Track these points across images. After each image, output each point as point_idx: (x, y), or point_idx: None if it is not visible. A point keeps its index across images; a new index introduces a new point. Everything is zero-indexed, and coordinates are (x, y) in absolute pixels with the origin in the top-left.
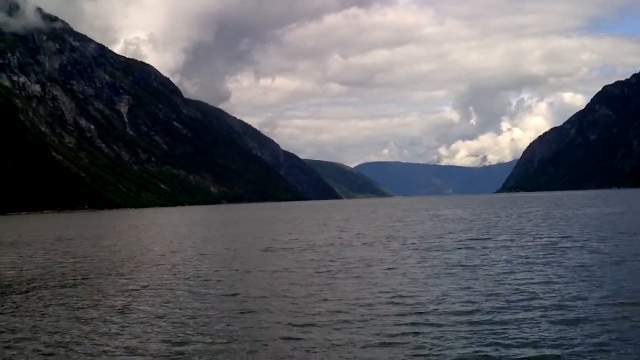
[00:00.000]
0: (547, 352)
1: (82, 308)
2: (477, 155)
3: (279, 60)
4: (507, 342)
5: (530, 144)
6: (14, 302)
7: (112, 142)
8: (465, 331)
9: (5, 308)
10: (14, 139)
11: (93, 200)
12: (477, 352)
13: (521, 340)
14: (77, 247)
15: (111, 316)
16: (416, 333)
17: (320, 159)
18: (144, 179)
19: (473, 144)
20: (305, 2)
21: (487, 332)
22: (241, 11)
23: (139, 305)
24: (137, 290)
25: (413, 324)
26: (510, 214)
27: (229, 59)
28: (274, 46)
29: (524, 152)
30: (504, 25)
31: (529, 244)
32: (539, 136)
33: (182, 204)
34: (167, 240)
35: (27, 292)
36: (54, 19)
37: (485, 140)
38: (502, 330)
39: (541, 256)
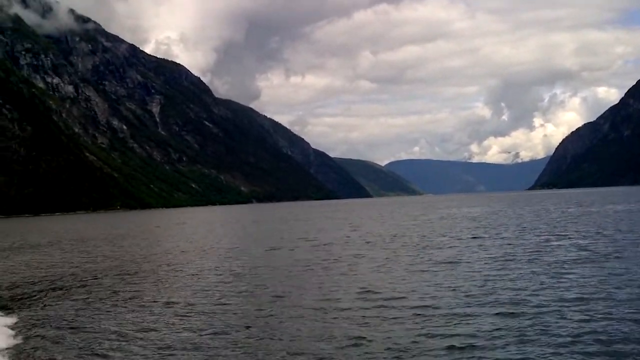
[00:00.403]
0: (468, 341)
1: (84, 301)
2: (509, 152)
3: (309, 58)
4: (441, 332)
5: (563, 140)
6: (24, 300)
7: (144, 142)
8: (411, 323)
9: (17, 303)
10: (48, 140)
11: (126, 201)
12: (412, 341)
13: (454, 330)
14: (94, 247)
15: (104, 306)
16: (366, 324)
17: (351, 157)
18: (175, 179)
19: (505, 141)
20: None
21: (429, 324)
22: (271, 9)
23: (135, 298)
24: (134, 286)
25: (367, 317)
26: (527, 212)
27: (259, 57)
28: (303, 44)
29: (556, 149)
30: (536, 19)
31: (523, 242)
32: (572, 132)
33: (214, 204)
34: (180, 240)
35: (38, 290)
36: (86, 20)
37: (517, 136)
38: (443, 324)
39: (527, 254)
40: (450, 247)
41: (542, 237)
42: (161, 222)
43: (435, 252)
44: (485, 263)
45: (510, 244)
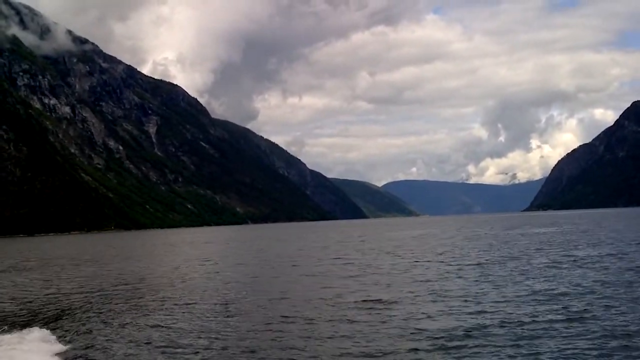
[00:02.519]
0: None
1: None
2: (506, 173)
3: (307, 79)
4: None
5: (559, 162)
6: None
7: (140, 163)
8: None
9: None
10: (43, 160)
11: (120, 221)
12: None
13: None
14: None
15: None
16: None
17: (349, 178)
18: (171, 199)
19: (502, 162)
20: (332, 20)
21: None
22: (269, 30)
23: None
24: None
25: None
26: (465, 234)
27: (257, 78)
28: (301, 65)
29: (552, 170)
30: (533, 41)
31: (407, 261)
32: (568, 153)
33: (209, 224)
34: (153, 261)
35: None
36: (84, 41)
37: (514, 157)
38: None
39: (402, 270)
40: (344, 263)
41: (438, 256)
42: (146, 242)
43: (325, 265)
44: (350, 274)
45: (393, 263)
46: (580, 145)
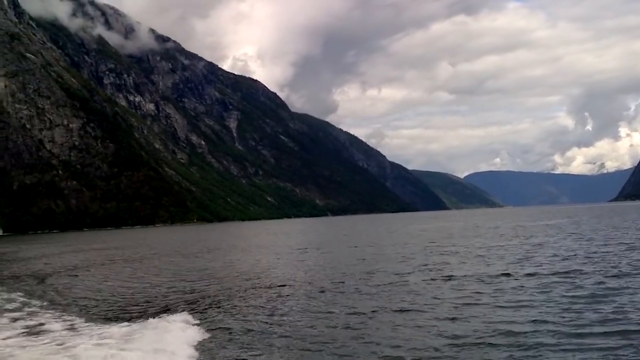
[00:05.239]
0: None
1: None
2: (594, 163)
3: (386, 70)
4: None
5: None
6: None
7: (222, 157)
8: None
9: None
10: (129, 156)
11: (203, 214)
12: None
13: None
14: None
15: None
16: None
17: (430, 169)
18: (251, 192)
19: (589, 151)
20: (411, 11)
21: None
22: (347, 23)
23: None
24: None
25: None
26: (511, 226)
27: (336, 71)
28: (380, 56)
29: None
30: (620, 26)
31: (417, 252)
32: None
33: (289, 217)
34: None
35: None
36: (166, 39)
37: (602, 146)
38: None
39: (409, 256)
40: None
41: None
42: (214, 235)
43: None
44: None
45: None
46: None
